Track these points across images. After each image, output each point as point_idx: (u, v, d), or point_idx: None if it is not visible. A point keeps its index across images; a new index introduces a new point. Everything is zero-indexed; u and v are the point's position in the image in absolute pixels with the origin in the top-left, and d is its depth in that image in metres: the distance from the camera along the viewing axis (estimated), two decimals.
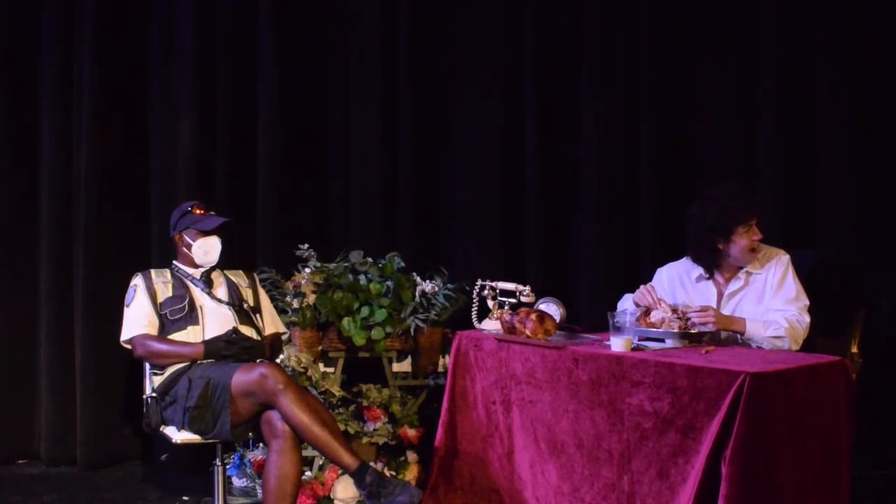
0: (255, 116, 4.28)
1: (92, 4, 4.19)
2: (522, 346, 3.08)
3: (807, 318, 3.09)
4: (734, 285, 3.22)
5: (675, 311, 3.04)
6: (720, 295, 3.24)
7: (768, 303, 3.15)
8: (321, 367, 3.71)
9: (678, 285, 3.33)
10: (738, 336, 3.11)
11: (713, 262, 3.25)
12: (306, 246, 3.81)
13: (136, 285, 3.35)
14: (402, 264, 3.84)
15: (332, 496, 3.56)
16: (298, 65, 4.33)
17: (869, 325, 3.34)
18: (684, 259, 3.37)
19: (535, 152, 4.33)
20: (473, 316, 3.49)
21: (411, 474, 3.64)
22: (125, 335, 3.29)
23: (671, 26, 4.30)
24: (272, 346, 3.39)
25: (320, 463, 3.63)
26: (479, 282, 3.52)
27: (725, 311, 3.18)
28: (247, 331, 3.32)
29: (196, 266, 3.42)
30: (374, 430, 3.67)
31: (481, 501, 3.24)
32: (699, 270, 3.29)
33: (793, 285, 3.14)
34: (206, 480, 3.42)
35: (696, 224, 3.22)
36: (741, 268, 3.21)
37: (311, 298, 3.66)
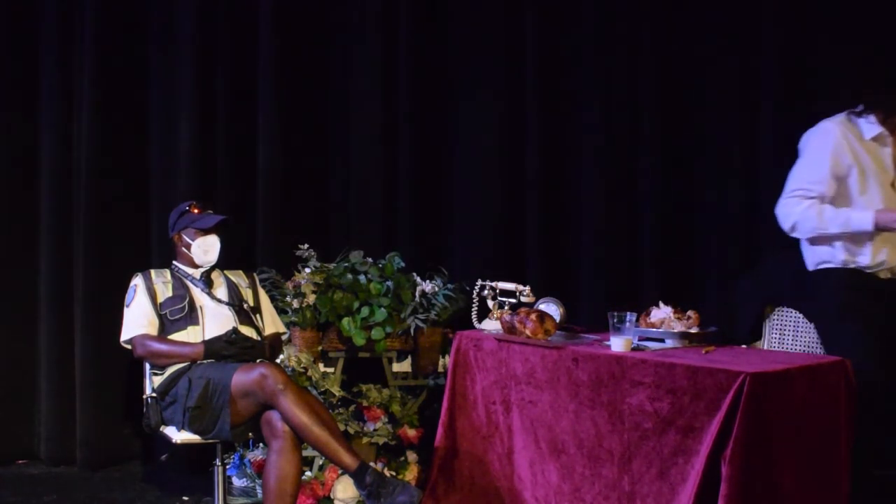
0: (255, 116, 4.28)
1: (92, 3, 4.19)
2: (522, 346, 3.08)
3: None
4: None
5: (676, 311, 3.04)
6: None
7: None
8: (321, 367, 3.71)
9: (851, 147, 2.98)
10: None
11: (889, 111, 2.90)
12: (306, 246, 3.81)
13: (135, 285, 3.35)
14: (402, 264, 3.84)
15: (332, 496, 3.55)
16: (298, 65, 4.33)
17: None
18: (840, 116, 3.03)
19: (535, 152, 4.33)
20: (473, 316, 3.49)
21: (411, 474, 3.64)
22: (125, 335, 3.29)
23: (671, 24, 4.30)
24: (272, 346, 3.39)
25: (320, 463, 3.63)
26: (479, 282, 3.52)
27: None
28: (247, 331, 3.32)
29: (196, 266, 3.42)
30: (374, 430, 3.67)
31: (481, 501, 3.24)
32: (873, 129, 2.97)
33: None
34: (206, 480, 3.43)
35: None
36: None
37: (311, 298, 3.66)
